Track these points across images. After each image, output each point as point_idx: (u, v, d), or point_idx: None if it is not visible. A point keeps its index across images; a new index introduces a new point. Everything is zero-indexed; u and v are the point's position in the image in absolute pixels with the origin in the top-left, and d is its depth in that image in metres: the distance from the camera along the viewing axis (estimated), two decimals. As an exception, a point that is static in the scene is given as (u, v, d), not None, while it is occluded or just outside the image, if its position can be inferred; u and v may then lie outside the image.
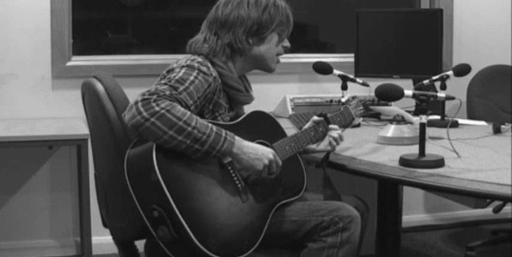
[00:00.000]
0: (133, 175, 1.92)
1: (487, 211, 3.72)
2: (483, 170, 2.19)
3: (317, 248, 2.14)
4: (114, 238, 2.32)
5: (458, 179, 2.09)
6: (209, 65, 2.13)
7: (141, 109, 1.87)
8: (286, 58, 3.16)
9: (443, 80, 2.92)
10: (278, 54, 2.31)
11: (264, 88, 3.59)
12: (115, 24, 3.78)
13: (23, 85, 3.45)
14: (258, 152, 2.02)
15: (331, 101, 3.42)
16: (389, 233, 2.89)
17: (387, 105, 3.24)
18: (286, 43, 2.32)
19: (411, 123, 2.75)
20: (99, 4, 3.71)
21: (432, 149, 2.48)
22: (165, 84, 1.97)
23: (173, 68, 2.10)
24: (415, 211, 4.08)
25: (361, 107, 2.57)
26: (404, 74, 3.44)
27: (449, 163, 2.27)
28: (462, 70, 2.98)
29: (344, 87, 3.01)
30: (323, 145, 2.35)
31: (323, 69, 3.09)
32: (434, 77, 2.89)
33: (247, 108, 2.30)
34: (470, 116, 3.55)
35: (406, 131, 2.62)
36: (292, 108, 3.36)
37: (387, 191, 2.87)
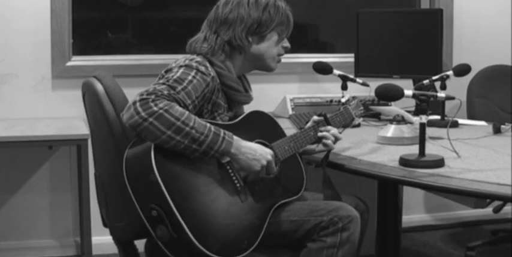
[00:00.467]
0: (132, 175, 1.92)
1: (487, 211, 3.72)
2: (483, 170, 2.19)
3: (316, 248, 2.14)
4: (113, 238, 2.32)
5: (458, 179, 2.09)
6: (207, 64, 2.13)
7: (139, 109, 1.87)
8: (286, 58, 3.13)
9: (443, 80, 2.92)
10: (279, 55, 2.32)
11: (264, 88, 3.59)
12: (115, 24, 3.78)
13: (23, 85, 3.45)
14: (256, 153, 2.02)
15: (331, 101, 3.42)
16: (389, 233, 2.89)
17: (387, 105, 3.24)
18: (286, 43, 2.33)
19: (411, 123, 2.75)
20: (99, 4, 3.71)
21: (432, 149, 2.47)
22: (163, 84, 1.97)
23: (171, 67, 2.10)
24: (415, 211, 4.08)
25: (362, 108, 2.57)
26: (404, 74, 3.44)
27: (449, 163, 2.27)
28: (462, 70, 2.98)
29: (344, 87, 3.01)
30: (322, 145, 2.35)
31: (323, 69, 3.09)
32: (434, 77, 2.89)
33: (247, 109, 2.30)
34: (470, 116, 3.55)
35: (406, 131, 2.62)
36: (292, 108, 3.36)
37: (387, 191, 2.87)
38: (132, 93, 1.97)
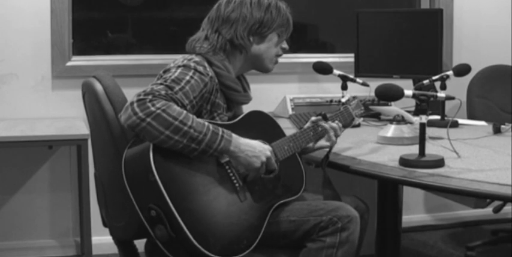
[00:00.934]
0: (130, 175, 1.92)
1: (487, 211, 3.71)
2: (483, 170, 2.19)
3: (316, 248, 2.13)
4: (113, 238, 2.32)
5: (458, 179, 2.09)
6: (206, 64, 2.13)
7: (137, 110, 1.87)
8: (286, 58, 3.16)
9: (443, 80, 2.92)
10: (277, 55, 2.32)
11: (264, 88, 3.59)
12: (115, 24, 3.78)
13: (23, 85, 3.45)
14: (255, 150, 2.02)
15: (331, 101, 3.42)
16: (389, 233, 2.89)
17: (387, 105, 3.24)
18: (285, 45, 2.34)
19: (411, 123, 2.75)
20: (99, 4, 3.71)
21: (432, 149, 2.47)
22: (161, 84, 1.97)
23: (169, 68, 2.10)
24: (415, 211, 4.07)
25: (362, 108, 2.57)
26: (404, 74, 3.44)
27: (449, 163, 2.27)
28: (462, 70, 2.98)
29: (344, 87, 3.01)
30: (320, 142, 2.33)
31: (323, 69, 3.09)
32: (434, 77, 2.89)
33: (247, 109, 2.30)
34: (470, 116, 3.55)
35: (406, 131, 2.62)
36: (292, 108, 3.36)
37: (387, 191, 2.87)
38: (131, 93, 1.97)
